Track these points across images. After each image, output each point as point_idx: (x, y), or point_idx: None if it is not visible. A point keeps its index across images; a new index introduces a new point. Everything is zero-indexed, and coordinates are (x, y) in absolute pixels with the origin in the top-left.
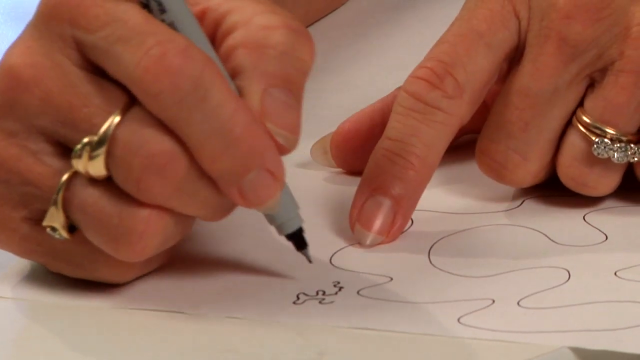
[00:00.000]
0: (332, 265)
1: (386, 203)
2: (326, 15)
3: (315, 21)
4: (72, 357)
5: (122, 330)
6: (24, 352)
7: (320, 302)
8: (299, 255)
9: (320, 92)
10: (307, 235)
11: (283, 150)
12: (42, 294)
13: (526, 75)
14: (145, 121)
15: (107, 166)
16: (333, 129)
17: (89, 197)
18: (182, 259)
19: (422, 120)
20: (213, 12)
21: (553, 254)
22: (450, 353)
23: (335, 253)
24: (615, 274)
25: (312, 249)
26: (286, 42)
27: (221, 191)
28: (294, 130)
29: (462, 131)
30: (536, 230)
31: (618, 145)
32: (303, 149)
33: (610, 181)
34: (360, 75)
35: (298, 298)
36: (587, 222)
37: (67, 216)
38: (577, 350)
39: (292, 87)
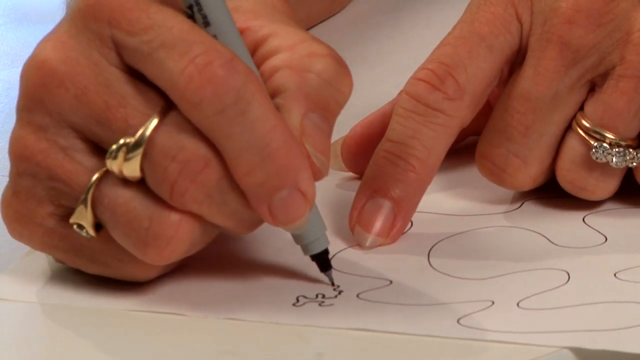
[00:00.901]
0: (332, 267)
1: (386, 205)
2: (327, 18)
3: (316, 24)
4: (72, 358)
5: (122, 333)
6: (23, 354)
7: (319, 305)
8: (299, 259)
9: None
10: None
11: (318, 173)
12: (41, 296)
13: (527, 80)
14: (183, 127)
15: (142, 168)
16: (337, 131)
17: (120, 198)
18: (183, 262)
19: (422, 122)
20: (254, 33)
21: (553, 256)
22: (449, 354)
23: (335, 255)
24: (615, 275)
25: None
26: (329, 72)
27: (251, 206)
28: (327, 154)
29: (466, 133)
30: (536, 232)
31: (617, 149)
32: None
33: (608, 185)
34: (362, 78)
35: (298, 300)
36: (586, 224)
37: (95, 215)
38: (577, 351)
39: (328, 115)
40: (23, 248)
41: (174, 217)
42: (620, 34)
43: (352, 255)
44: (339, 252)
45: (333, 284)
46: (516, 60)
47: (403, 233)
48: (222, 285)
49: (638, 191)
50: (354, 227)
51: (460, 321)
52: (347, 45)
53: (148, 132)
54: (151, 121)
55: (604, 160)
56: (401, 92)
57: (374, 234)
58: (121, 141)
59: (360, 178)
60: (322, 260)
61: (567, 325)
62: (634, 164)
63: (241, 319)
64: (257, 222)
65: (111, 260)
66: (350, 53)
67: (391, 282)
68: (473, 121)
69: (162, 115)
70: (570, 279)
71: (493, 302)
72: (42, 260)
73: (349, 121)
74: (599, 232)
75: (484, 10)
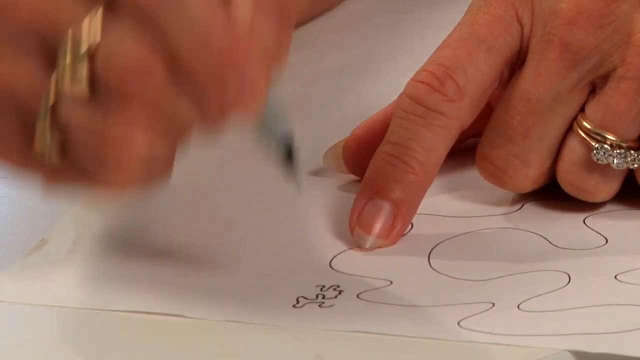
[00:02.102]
0: (332, 268)
1: (386, 206)
2: (332, 8)
3: (321, 14)
4: (71, 358)
5: (121, 335)
6: (23, 355)
7: (320, 306)
8: (299, 259)
9: (320, 96)
10: (306, 238)
11: (271, 58)
12: (40, 297)
13: (528, 81)
14: (125, 30)
15: (90, 83)
16: (336, 133)
17: (74, 117)
18: (183, 262)
19: (422, 124)
20: None
21: (553, 258)
22: (449, 357)
23: (335, 257)
24: (615, 277)
25: (311, 252)
26: None
27: (202, 107)
28: (283, 42)
29: (466, 135)
30: (536, 233)
31: (618, 151)
32: (309, 156)
33: (609, 187)
34: (362, 80)
35: (298, 302)
36: (587, 226)
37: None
38: (577, 354)
39: (283, 13)
40: (23, 248)
41: (127, 127)
42: (621, 35)
43: (352, 256)
44: (339, 253)
45: (298, 183)
46: (517, 62)
47: (403, 235)
48: (222, 287)
49: (639, 193)
50: (354, 229)
51: (461, 323)
52: (346, 46)
53: (90, 40)
54: (94, 29)
55: (604, 161)
56: (401, 94)
57: (374, 235)
58: (65, 49)
59: (361, 180)
60: (287, 150)
61: (567, 328)
62: (635, 165)
63: (241, 321)
64: (216, 119)
65: (82, 180)
66: (350, 54)
67: (391, 282)
68: (474, 123)
69: (105, 21)
70: (571, 281)
71: (493, 304)
72: (41, 262)
73: (350, 123)
74: (600, 234)
75: (484, 12)
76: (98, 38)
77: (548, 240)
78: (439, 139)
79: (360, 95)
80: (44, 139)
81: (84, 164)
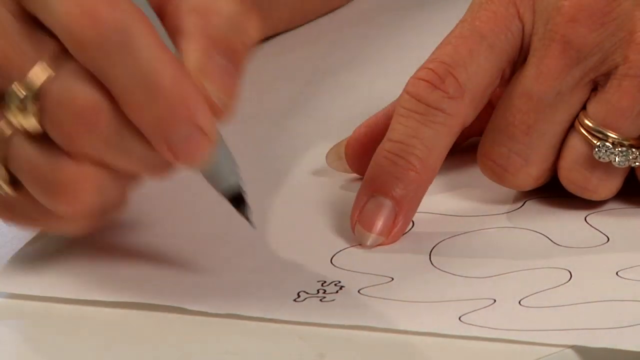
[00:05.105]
0: (333, 265)
1: (387, 204)
2: (324, 15)
3: (313, 19)
4: (71, 357)
5: (122, 331)
6: (22, 353)
7: (321, 300)
8: (300, 254)
9: (320, 94)
10: (308, 236)
11: (217, 111)
12: (38, 289)
13: (530, 78)
14: (75, 74)
15: (40, 121)
16: (338, 132)
17: (26, 153)
18: (184, 255)
19: (423, 121)
20: None
21: (555, 256)
22: (451, 352)
23: (336, 254)
24: (616, 274)
25: (313, 249)
26: (233, 12)
27: (150, 152)
28: (231, 95)
29: (468, 133)
30: (538, 232)
31: (619, 149)
32: (312, 155)
33: (611, 185)
34: (363, 78)
35: (299, 296)
36: (588, 224)
37: (10, 172)
38: (580, 350)
39: (233, 56)
40: (22, 243)
41: (76, 166)
42: (623, 33)
43: (354, 254)
44: (341, 251)
45: (251, 223)
46: (518, 60)
47: (404, 233)
48: (223, 280)
49: None
50: (355, 227)
51: (462, 318)
52: (347, 44)
53: (41, 83)
54: (45, 72)
55: (606, 159)
56: (402, 91)
57: (375, 233)
58: (18, 94)
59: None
60: (236, 198)
61: (568, 323)
62: (637, 163)
63: (242, 314)
64: (165, 163)
65: (37, 214)
66: (350, 52)
67: (392, 278)
68: (475, 121)
69: (56, 65)
70: (572, 277)
71: (495, 300)
72: (40, 254)
73: (351, 122)
74: (601, 231)
75: (485, 9)
76: (49, 77)
77: (549, 239)
78: (440, 136)
79: (362, 93)
80: None
81: (34, 193)
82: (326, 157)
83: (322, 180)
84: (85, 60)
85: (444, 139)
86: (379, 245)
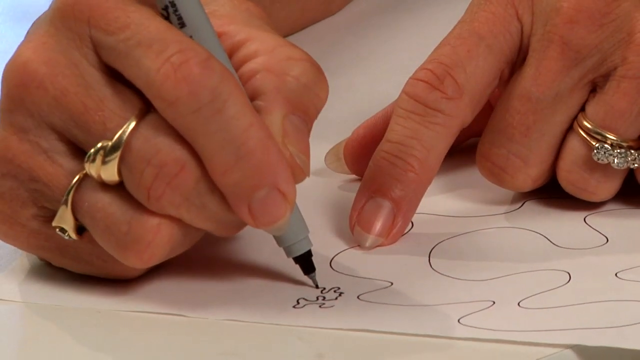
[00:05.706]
0: (332, 269)
1: (386, 205)
2: (324, 18)
3: (311, 24)
4: (71, 357)
5: (122, 334)
6: (23, 355)
7: (320, 307)
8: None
9: None
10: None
11: (300, 174)
12: (41, 297)
13: (528, 80)
14: (159, 129)
15: (120, 172)
16: (337, 133)
17: (99, 202)
18: (184, 262)
19: (421, 122)
20: (231, 38)
21: (554, 257)
22: (450, 354)
23: (335, 256)
24: (616, 275)
25: (312, 250)
26: (307, 76)
27: (231, 207)
28: (308, 157)
29: (467, 134)
30: (537, 232)
31: (618, 151)
32: (311, 156)
33: (609, 186)
34: (362, 79)
35: (298, 303)
36: (587, 225)
37: (77, 218)
38: (579, 349)
39: (307, 118)
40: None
41: (152, 221)
42: (622, 34)
43: (353, 256)
44: (339, 253)
45: (317, 287)
46: (517, 61)
47: (403, 234)
48: (222, 287)
49: (639, 192)
50: (354, 228)
51: (461, 321)
52: (346, 45)
53: (125, 136)
54: (128, 125)
55: (605, 161)
56: (401, 92)
57: (374, 234)
58: (99, 145)
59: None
60: (305, 263)
61: (568, 323)
62: (636, 165)
63: (241, 320)
64: (239, 224)
65: (95, 259)
66: (349, 53)
67: (392, 283)
68: (474, 122)
69: (140, 118)
70: (571, 279)
71: (494, 302)
72: (41, 261)
73: (350, 123)
74: (600, 232)
75: (484, 10)
76: (133, 129)
77: (548, 239)
78: (438, 137)
79: (361, 94)
80: (64, 221)
81: (103, 243)
82: (325, 158)
83: (321, 181)
84: (174, 118)
85: (443, 140)
86: (378, 246)
